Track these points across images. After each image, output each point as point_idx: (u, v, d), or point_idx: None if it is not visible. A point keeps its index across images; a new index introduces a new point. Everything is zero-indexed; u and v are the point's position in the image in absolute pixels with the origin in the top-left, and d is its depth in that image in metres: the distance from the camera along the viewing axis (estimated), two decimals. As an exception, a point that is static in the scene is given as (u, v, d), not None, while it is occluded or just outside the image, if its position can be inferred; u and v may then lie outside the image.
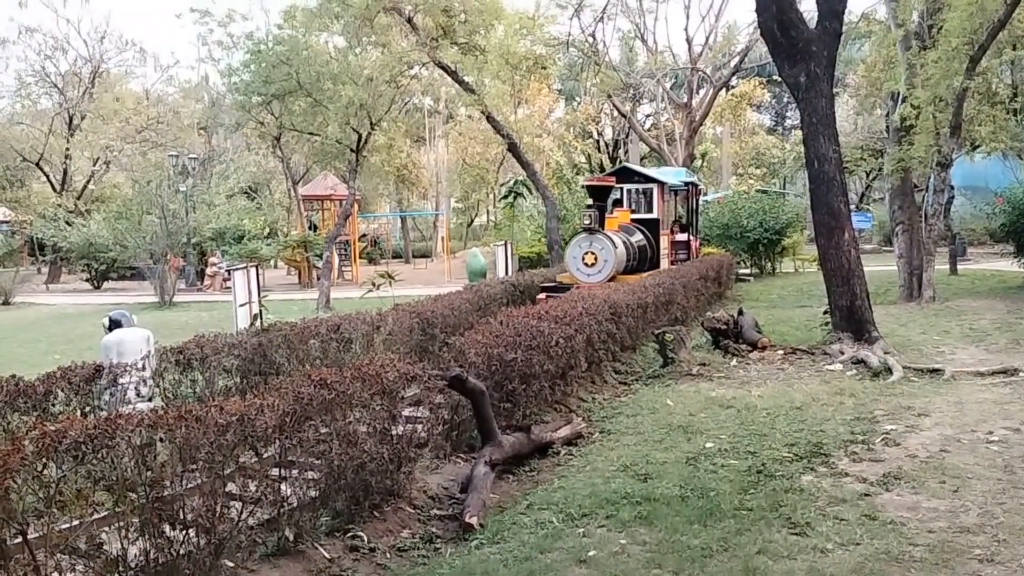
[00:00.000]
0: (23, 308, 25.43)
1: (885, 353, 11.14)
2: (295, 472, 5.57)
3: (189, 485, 4.76)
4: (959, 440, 7.26)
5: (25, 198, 38.24)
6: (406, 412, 6.87)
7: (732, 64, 34.10)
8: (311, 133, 24.01)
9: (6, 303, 26.46)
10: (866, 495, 5.99)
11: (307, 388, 5.50)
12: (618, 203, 17.43)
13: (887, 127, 19.20)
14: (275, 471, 5.39)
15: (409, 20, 21.62)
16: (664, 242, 17.95)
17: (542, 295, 14.29)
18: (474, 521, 5.84)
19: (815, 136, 12.26)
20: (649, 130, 39.67)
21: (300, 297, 23.78)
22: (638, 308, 11.81)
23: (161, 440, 4.59)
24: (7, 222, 39.74)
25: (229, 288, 17.33)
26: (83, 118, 37.23)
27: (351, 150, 22.23)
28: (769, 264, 27.68)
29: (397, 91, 22.91)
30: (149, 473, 4.51)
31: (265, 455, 5.33)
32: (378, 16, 20.83)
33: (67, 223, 30.18)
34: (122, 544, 4.45)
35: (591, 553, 5.17)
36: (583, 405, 9.33)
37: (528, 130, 32.42)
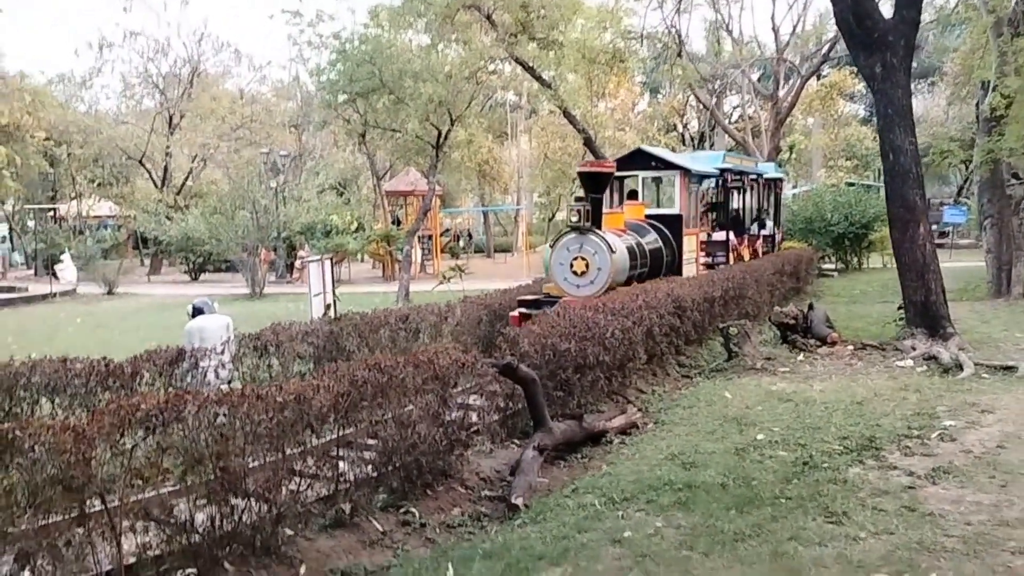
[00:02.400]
0: (126, 298, 26.92)
1: (960, 350, 10.89)
2: (352, 452, 5.96)
3: (253, 459, 5.19)
4: (1019, 437, 7.13)
5: (129, 194, 40.22)
6: (469, 400, 7.18)
7: (821, 53, 33.25)
8: (393, 130, 24.63)
9: (110, 293, 28.09)
10: (910, 488, 5.99)
11: (362, 372, 5.86)
12: (634, 195, 14.67)
13: (976, 116, 18.54)
14: (333, 450, 5.79)
15: (488, 17, 21.95)
16: (690, 243, 14.63)
17: (515, 312, 11.35)
18: (519, 502, 6.12)
19: (891, 127, 12.03)
20: (736, 122, 39.03)
21: (382, 290, 24.46)
22: (704, 302, 11.83)
23: (225, 415, 5.03)
24: (113, 217, 42.00)
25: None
26: (182, 117, 39.03)
27: (431, 146, 22.74)
28: (855, 259, 26.98)
29: (477, 87, 23.27)
30: (216, 446, 4.95)
31: (326, 437, 5.73)
32: (458, 13, 21.26)
33: (167, 218, 31.72)
34: (190, 511, 4.90)
35: (626, 534, 5.37)
36: (642, 396, 9.47)
37: (609, 124, 32.35)
